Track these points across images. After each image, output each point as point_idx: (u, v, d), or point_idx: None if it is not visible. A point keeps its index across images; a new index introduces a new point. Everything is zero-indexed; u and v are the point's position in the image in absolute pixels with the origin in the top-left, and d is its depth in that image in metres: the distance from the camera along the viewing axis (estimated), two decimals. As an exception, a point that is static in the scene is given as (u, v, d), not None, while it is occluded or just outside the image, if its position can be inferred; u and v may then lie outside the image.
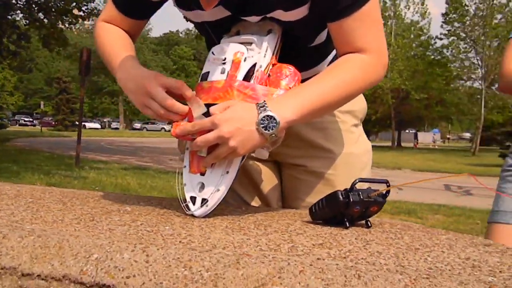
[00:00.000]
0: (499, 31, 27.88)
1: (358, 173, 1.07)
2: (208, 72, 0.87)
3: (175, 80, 0.85)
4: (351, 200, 0.74)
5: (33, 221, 0.70)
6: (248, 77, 0.84)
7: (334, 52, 1.03)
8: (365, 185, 0.79)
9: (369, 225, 0.80)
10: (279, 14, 0.87)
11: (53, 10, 12.82)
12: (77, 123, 15.18)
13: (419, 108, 35.50)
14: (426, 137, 62.01)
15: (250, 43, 0.87)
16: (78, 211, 0.80)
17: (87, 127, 42.53)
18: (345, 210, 0.76)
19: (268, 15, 0.88)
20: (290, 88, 0.84)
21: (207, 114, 0.82)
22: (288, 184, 1.11)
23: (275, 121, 0.78)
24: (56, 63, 48.53)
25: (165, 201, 0.97)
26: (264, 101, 0.80)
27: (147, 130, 52.89)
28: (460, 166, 17.48)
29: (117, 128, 52.17)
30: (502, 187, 1.38)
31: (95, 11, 13.56)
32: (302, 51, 0.98)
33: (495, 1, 28.99)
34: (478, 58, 30.69)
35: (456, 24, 31.21)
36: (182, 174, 0.87)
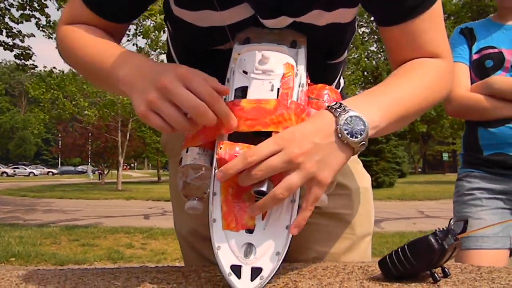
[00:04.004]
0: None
1: (371, 210, 0.95)
2: (246, 87, 0.65)
3: (206, 83, 0.60)
4: (446, 246, 0.61)
5: None
6: (296, 98, 0.65)
7: (339, 76, 0.90)
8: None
9: (448, 273, 0.67)
10: (315, 16, 0.71)
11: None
12: None
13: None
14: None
15: None
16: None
17: None
18: (438, 260, 0.62)
19: (298, 19, 0.71)
20: None
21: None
22: None
23: (362, 122, 0.59)
24: None
25: (163, 274, 0.72)
26: (338, 102, 0.62)
27: None
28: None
29: None
30: (466, 212, 1.39)
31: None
32: (319, 69, 0.79)
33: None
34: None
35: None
36: (211, 231, 0.62)
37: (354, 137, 0.59)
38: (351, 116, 0.59)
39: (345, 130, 0.59)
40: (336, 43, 0.79)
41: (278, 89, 0.64)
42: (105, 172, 24.67)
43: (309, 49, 0.72)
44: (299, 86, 0.66)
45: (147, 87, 0.60)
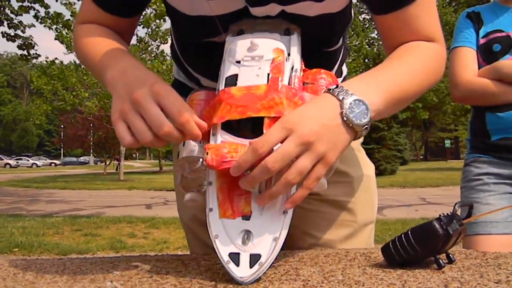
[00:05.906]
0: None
1: (374, 198, 0.94)
2: (236, 75, 0.64)
3: (180, 102, 0.60)
4: (451, 231, 0.59)
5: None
6: (288, 83, 0.64)
7: (338, 63, 0.88)
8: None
9: (453, 259, 0.65)
10: (305, 7, 0.70)
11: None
12: None
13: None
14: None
15: None
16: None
17: None
18: (443, 246, 0.60)
19: (288, 9, 0.70)
20: None
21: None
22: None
23: (364, 106, 0.59)
24: None
25: (164, 262, 0.71)
26: (337, 84, 0.61)
27: None
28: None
29: None
30: (474, 197, 1.38)
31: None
32: (315, 57, 0.79)
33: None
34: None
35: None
36: (207, 220, 0.61)
37: (358, 120, 0.59)
38: (354, 100, 0.59)
39: (350, 113, 0.59)
40: (329, 33, 0.78)
41: (268, 74, 0.63)
42: (108, 162, 24.74)
43: (303, 38, 0.71)
44: (291, 71, 0.65)
45: (124, 96, 0.61)
